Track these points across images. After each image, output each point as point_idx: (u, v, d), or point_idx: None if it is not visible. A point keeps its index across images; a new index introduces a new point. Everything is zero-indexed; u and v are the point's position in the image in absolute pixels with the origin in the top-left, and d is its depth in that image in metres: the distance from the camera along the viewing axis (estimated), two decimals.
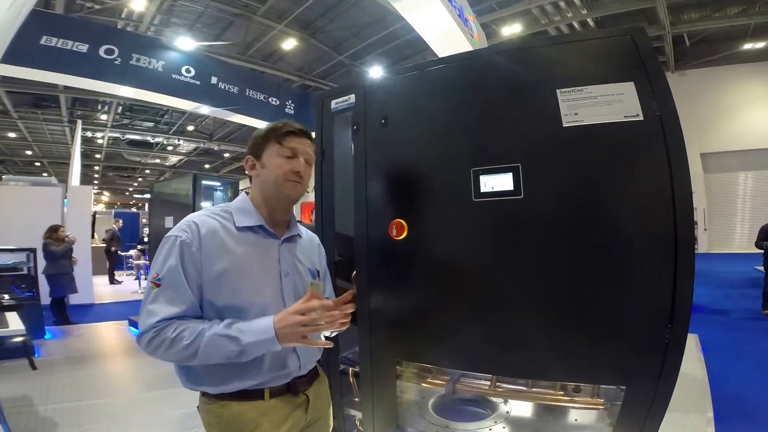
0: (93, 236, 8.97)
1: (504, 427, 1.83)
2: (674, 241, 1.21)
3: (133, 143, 16.60)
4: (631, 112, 1.27)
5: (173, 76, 6.86)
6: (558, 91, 1.38)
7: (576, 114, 1.35)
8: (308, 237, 1.33)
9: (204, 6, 9.37)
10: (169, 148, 17.32)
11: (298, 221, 1.35)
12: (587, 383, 1.50)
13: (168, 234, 1.05)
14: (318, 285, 1.18)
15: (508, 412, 1.90)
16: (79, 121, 11.47)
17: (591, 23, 11.25)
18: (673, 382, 1.25)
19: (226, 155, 19.87)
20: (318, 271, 1.28)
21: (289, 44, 11.15)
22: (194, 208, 5.03)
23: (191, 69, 7.08)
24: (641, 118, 1.26)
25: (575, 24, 11.18)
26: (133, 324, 5.60)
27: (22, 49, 5.09)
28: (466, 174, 1.51)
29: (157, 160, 19.87)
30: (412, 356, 1.77)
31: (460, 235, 1.55)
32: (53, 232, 5.71)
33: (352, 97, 1.78)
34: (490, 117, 1.52)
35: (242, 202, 1.17)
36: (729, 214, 13.03)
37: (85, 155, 15.38)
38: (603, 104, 1.31)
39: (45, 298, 5.60)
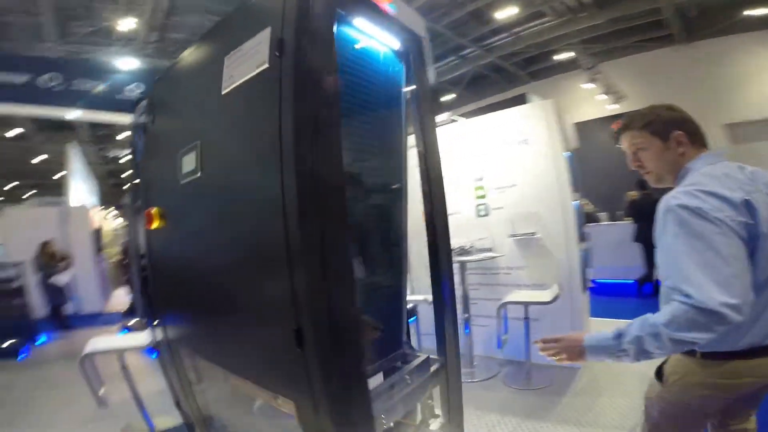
0: (100, 251, 9.43)
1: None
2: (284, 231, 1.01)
3: None
4: (260, 61, 1.12)
5: None
6: (225, 58, 1.27)
7: (231, 77, 1.23)
8: None
9: None
10: None
11: None
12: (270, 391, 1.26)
13: None
14: None
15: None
16: None
17: None
18: (332, 391, 1.04)
19: None
20: None
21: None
22: None
23: None
24: (267, 65, 1.10)
25: None
26: (126, 329, 5.81)
27: None
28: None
29: None
30: (188, 346, 1.73)
31: (174, 220, 1.53)
32: (43, 247, 6.21)
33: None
34: (189, 99, 1.51)
35: None
36: None
37: None
38: (248, 59, 1.18)
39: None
